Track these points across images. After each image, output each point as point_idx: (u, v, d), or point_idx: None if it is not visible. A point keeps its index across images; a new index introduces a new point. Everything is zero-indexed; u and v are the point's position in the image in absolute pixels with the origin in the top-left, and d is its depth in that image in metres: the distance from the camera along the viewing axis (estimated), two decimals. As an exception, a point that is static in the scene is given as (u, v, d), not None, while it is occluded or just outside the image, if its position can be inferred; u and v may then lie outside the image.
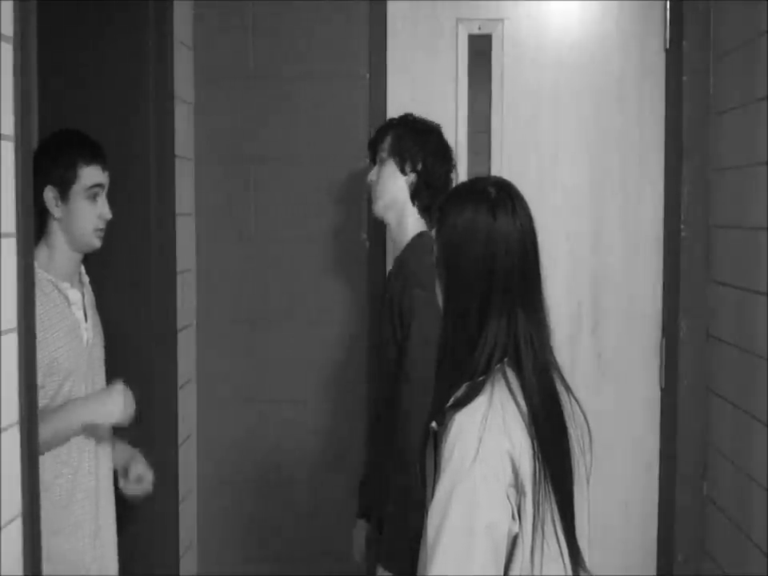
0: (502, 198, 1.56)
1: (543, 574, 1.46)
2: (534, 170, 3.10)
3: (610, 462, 3.05)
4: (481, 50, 3.09)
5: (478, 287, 1.53)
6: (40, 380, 1.93)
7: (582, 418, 1.61)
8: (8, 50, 1.55)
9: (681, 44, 3.03)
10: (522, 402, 1.49)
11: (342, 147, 3.11)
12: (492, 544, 1.43)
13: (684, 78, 3.03)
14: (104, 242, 2.25)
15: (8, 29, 1.55)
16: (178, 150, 2.89)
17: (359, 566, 2.73)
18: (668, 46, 3.06)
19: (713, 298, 3.00)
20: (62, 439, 2.13)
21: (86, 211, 2.19)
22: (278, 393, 3.16)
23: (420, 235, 2.49)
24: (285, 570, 3.13)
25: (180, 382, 2.96)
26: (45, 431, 1.99)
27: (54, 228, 2.19)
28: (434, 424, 1.56)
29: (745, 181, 2.71)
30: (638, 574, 3.11)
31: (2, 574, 1.51)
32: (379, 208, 2.56)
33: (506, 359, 1.53)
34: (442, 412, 1.52)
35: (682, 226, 3.05)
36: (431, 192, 2.49)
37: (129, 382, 2.21)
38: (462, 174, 2.93)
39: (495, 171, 3.06)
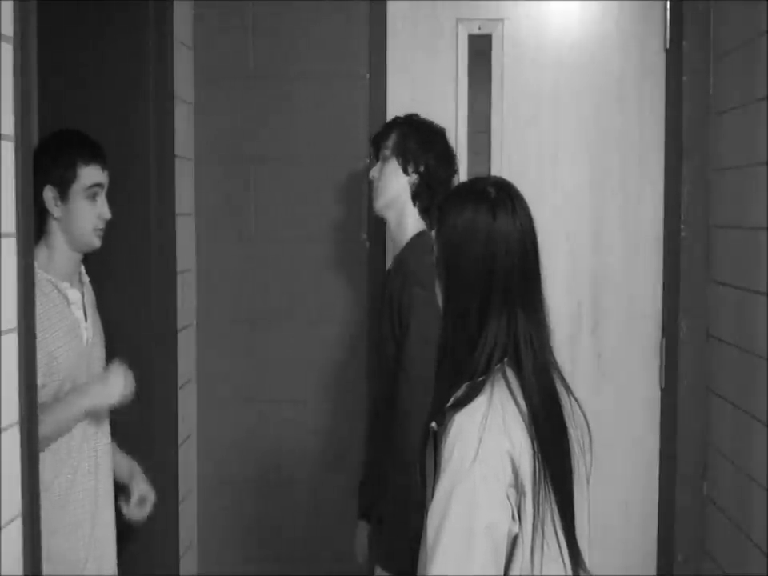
0: (502, 198, 1.56)
1: (543, 574, 1.46)
2: (534, 170, 3.10)
3: (610, 462, 3.05)
4: (481, 49, 3.09)
5: (478, 287, 1.53)
6: (40, 379, 1.93)
7: (582, 418, 1.61)
8: (8, 50, 1.55)
9: (681, 44, 3.03)
10: (522, 402, 1.49)
11: (342, 147, 3.11)
12: (492, 544, 1.43)
13: (684, 78, 3.03)
14: (104, 242, 2.25)
15: (8, 29, 1.54)
16: (178, 150, 2.89)
17: (361, 567, 2.73)
18: (668, 46, 3.06)
19: (713, 298, 3.00)
20: (64, 430, 2.13)
21: (86, 211, 2.19)
22: (278, 393, 3.17)
23: (420, 234, 2.49)
24: (285, 569, 3.13)
25: (180, 381, 2.96)
26: (47, 424, 2.00)
27: (54, 228, 2.19)
28: (433, 424, 1.56)
29: (745, 181, 2.71)
30: (637, 574, 3.11)
31: (2, 574, 1.51)
32: (380, 205, 2.56)
33: (505, 359, 1.53)
34: (442, 412, 1.52)
35: (682, 226, 3.05)
36: (432, 194, 2.49)
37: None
38: (462, 173, 2.92)
39: (495, 171, 3.07)
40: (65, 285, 2.19)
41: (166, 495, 2.73)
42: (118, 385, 2.15)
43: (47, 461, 2.08)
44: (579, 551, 1.52)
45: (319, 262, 3.14)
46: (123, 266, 2.69)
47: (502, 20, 3.08)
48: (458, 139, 3.05)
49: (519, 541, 1.45)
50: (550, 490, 1.47)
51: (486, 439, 1.44)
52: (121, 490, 2.36)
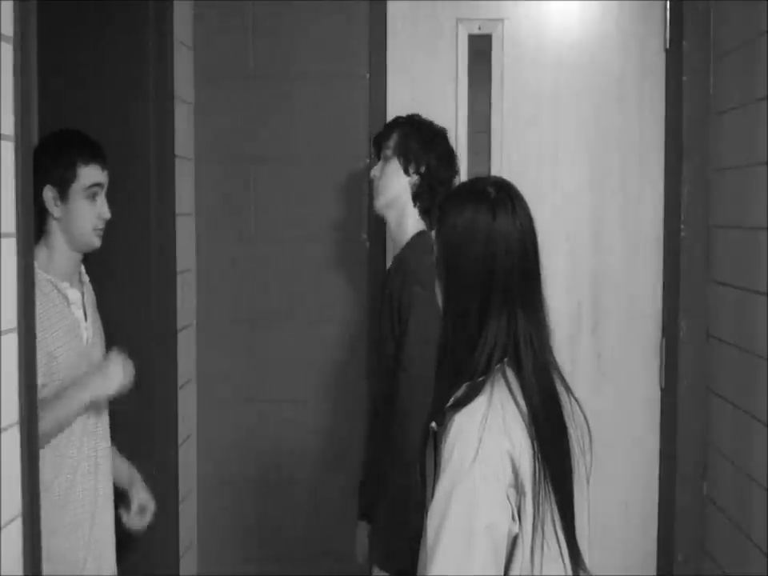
0: (502, 198, 1.56)
1: (543, 574, 1.46)
2: (534, 170, 3.10)
3: (610, 462, 3.05)
4: (481, 49, 3.09)
5: (477, 287, 1.53)
6: (40, 379, 1.93)
7: (582, 418, 1.61)
8: (8, 50, 1.55)
9: (681, 44, 3.03)
10: (522, 402, 1.49)
11: (342, 147, 3.11)
12: (492, 544, 1.43)
13: (684, 78, 3.03)
14: (104, 242, 2.25)
15: (8, 29, 1.54)
16: (178, 150, 2.89)
17: (362, 567, 2.73)
18: (668, 46, 3.06)
19: (713, 298, 3.00)
20: (65, 425, 2.12)
21: (85, 211, 2.19)
22: (278, 393, 3.17)
23: (420, 234, 2.49)
24: (285, 569, 3.13)
25: (180, 382, 2.96)
26: (48, 421, 2.00)
27: (54, 228, 2.18)
28: (433, 424, 1.56)
29: (745, 181, 2.71)
30: (637, 574, 3.11)
31: (2, 574, 1.51)
32: (380, 205, 2.56)
33: (505, 359, 1.53)
34: (442, 412, 1.52)
35: (682, 226, 3.05)
36: (433, 195, 2.49)
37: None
38: (462, 174, 2.92)
39: (495, 171, 3.07)
40: (65, 285, 2.19)
41: (166, 495, 2.73)
42: (117, 375, 2.14)
43: (47, 458, 2.08)
44: (579, 551, 1.52)
45: (319, 262, 3.14)
46: (123, 266, 2.69)
47: (501, 20, 3.08)
48: (458, 139, 3.04)
49: (519, 541, 1.45)
50: (550, 490, 1.47)
51: (485, 439, 1.44)
52: (120, 499, 2.36)
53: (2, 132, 1.52)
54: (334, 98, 3.11)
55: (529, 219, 1.57)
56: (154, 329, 2.74)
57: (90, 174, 2.19)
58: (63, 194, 2.17)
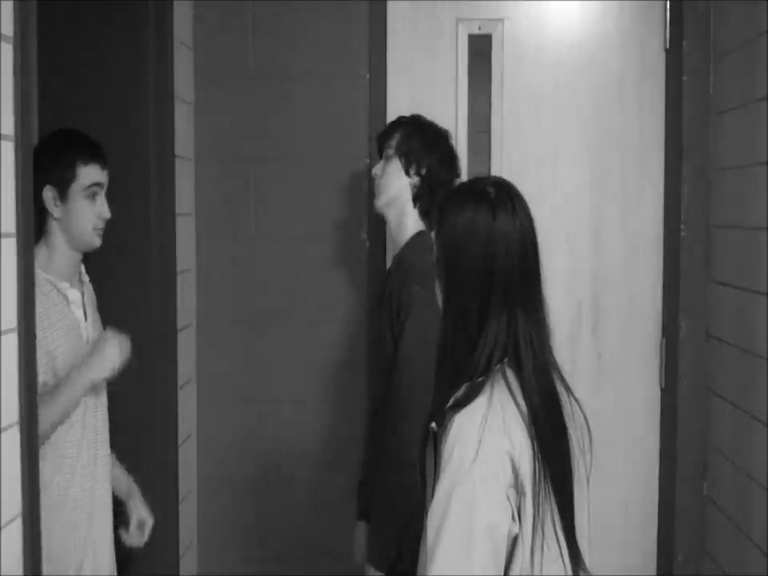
0: (502, 198, 1.56)
1: (543, 574, 1.46)
2: (534, 170, 3.10)
3: (610, 462, 3.05)
4: (481, 49, 3.09)
5: (477, 287, 1.53)
6: (41, 377, 1.93)
7: (582, 418, 1.61)
8: (8, 50, 1.55)
9: (681, 44, 3.03)
10: (522, 403, 1.49)
11: (341, 147, 3.11)
12: (492, 545, 1.42)
13: (684, 78, 3.03)
14: (104, 242, 2.24)
15: (8, 29, 1.54)
16: (178, 150, 2.89)
17: (361, 567, 2.73)
18: (668, 46, 3.06)
19: (713, 298, 3.00)
20: (64, 416, 2.11)
21: (85, 210, 2.19)
22: (278, 393, 3.17)
23: (419, 234, 2.49)
24: (285, 570, 3.13)
25: (180, 381, 2.96)
26: (51, 410, 2.00)
27: (54, 228, 2.18)
28: (433, 424, 1.56)
29: (745, 181, 2.71)
30: (637, 574, 3.11)
31: (2, 574, 1.51)
32: (381, 204, 2.56)
33: (505, 359, 1.53)
34: (442, 413, 1.52)
35: (682, 226, 3.05)
36: (433, 196, 2.49)
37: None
38: (462, 174, 2.93)
39: (495, 171, 3.07)
40: (64, 285, 2.19)
41: (166, 495, 2.73)
42: (113, 354, 2.14)
43: (47, 456, 2.08)
44: (579, 551, 1.52)
45: (319, 262, 3.14)
46: (123, 266, 2.69)
47: (501, 20, 3.08)
48: (458, 139, 3.04)
49: (519, 541, 1.45)
50: (550, 490, 1.47)
51: (485, 440, 1.44)
52: (118, 516, 2.35)
53: (2, 132, 1.52)
54: (333, 98, 3.11)
55: (529, 219, 1.57)
56: (154, 329, 2.74)
57: (90, 174, 2.19)
58: (63, 194, 2.17)
